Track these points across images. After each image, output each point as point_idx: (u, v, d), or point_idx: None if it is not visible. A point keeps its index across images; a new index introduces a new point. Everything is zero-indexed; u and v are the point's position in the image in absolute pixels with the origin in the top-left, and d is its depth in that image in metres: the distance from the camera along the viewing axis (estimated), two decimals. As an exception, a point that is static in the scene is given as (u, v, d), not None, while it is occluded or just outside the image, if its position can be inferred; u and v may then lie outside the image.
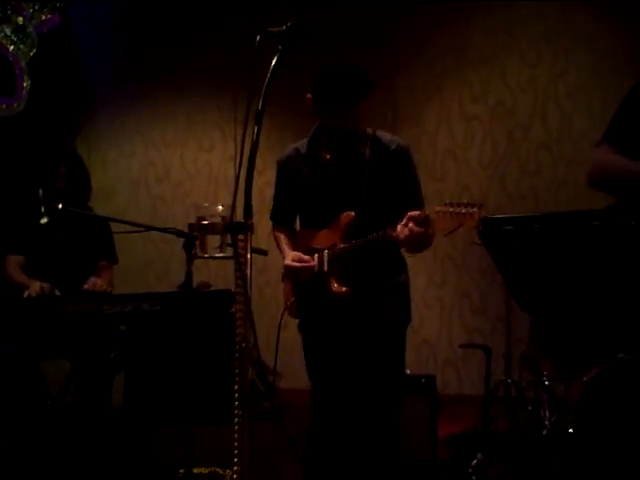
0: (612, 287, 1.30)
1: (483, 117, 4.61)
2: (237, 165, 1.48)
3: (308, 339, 2.44)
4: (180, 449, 2.39)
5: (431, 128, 4.69)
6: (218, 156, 5.20)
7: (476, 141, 4.61)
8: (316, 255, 2.31)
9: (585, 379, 2.86)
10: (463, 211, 1.88)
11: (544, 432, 3.08)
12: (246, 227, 1.48)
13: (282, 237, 2.49)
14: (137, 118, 5.25)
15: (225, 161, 5.18)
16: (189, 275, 2.66)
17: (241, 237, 1.52)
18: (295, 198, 2.44)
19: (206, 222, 1.70)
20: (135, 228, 2.80)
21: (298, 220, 2.53)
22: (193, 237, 2.69)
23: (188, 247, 2.67)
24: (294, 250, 2.39)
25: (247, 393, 1.51)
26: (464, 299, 4.55)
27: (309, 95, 2.28)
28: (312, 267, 2.28)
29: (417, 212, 2.05)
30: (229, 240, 1.58)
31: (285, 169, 2.46)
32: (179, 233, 2.68)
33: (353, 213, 2.25)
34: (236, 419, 1.53)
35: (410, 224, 2.04)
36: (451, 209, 1.92)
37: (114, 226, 3.25)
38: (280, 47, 1.65)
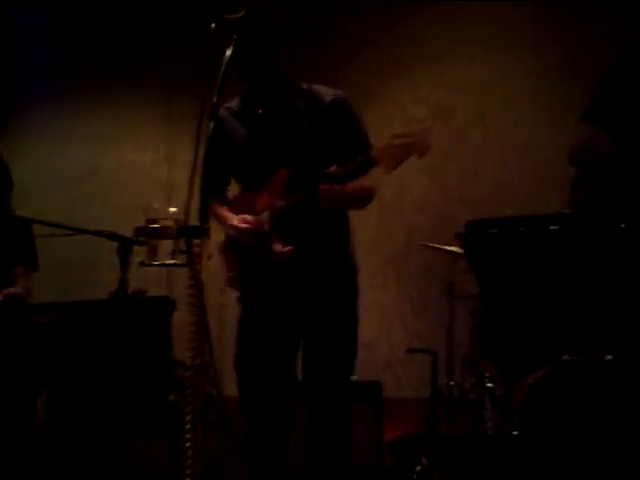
0: (578, 289, 1.26)
1: (425, 118, 4.60)
2: (194, 162, 1.36)
3: (248, 311, 2.26)
4: (114, 464, 2.24)
5: (373, 129, 4.64)
6: (150, 155, 4.99)
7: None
8: (256, 217, 2.15)
9: (530, 381, 2.89)
10: (410, 139, 1.81)
11: (489, 433, 3.09)
12: (202, 231, 1.36)
13: (216, 205, 2.30)
14: (69, 116, 5.00)
15: (159, 161, 4.98)
16: (123, 282, 2.50)
17: (197, 242, 1.39)
18: (229, 161, 2.24)
19: (157, 225, 1.56)
20: (62, 231, 2.60)
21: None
22: (129, 241, 2.53)
23: (123, 252, 2.50)
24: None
25: (201, 410, 1.39)
26: (405, 301, 4.54)
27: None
28: (261, 226, 2.11)
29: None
30: (183, 245, 1.45)
31: (217, 129, 2.28)
32: (112, 236, 2.51)
33: (289, 169, 2.09)
34: (188, 435, 1.41)
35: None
36: (397, 141, 1.84)
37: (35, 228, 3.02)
38: (235, 36, 1.53)
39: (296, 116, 2.15)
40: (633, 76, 1.77)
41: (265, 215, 2.12)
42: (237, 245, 2.18)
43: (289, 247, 2.04)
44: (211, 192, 2.26)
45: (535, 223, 1.12)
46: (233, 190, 2.34)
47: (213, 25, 1.51)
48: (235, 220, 2.17)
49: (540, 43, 4.57)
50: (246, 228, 2.12)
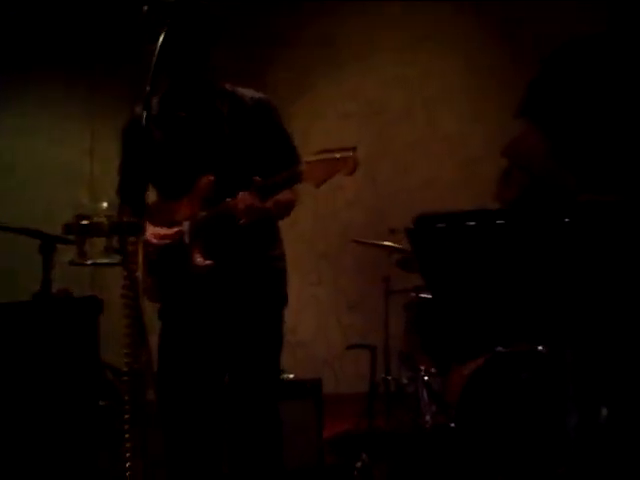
0: (519, 282, 1.26)
1: (356, 115, 4.61)
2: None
3: (168, 327, 2.13)
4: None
5: (304, 125, 4.61)
6: (72, 150, 4.76)
7: (350, 139, 4.58)
8: (176, 227, 2.03)
9: (466, 372, 2.93)
10: (337, 156, 1.78)
11: (427, 426, 3.11)
12: (137, 227, 1.28)
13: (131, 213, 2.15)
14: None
15: (80, 155, 4.75)
16: (46, 282, 2.37)
17: (131, 240, 1.31)
18: (146, 167, 2.09)
19: (87, 222, 1.45)
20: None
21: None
22: (52, 239, 2.38)
23: (46, 250, 2.36)
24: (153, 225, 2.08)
25: (140, 417, 1.31)
26: (340, 298, 4.53)
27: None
28: (173, 240, 2.00)
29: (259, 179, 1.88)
30: (116, 243, 1.36)
31: (132, 135, 2.13)
32: (34, 234, 2.37)
33: (212, 177, 1.99)
34: (127, 445, 1.33)
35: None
36: (323, 156, 1.80)
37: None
38: (169, 21, 1.44)
39: (219, 120, 2.06)
40: (565, 71, 1.79)
41: (186, 226, 2.02)
42: (152, 256, 2.05)
43: (210, 261, 1.96)
44: (127, 197, 2.15)
45: (482, 217, 1.11)
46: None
47: (145, 7, 1.42)
48: (147, 234, 2.04)
49: (465, 43, 4.66)
50: (157, 243, 2.01)
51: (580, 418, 1.70)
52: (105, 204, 1.54)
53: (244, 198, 1.89)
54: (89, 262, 1.55)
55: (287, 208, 2.09)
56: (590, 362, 1.50)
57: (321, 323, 4.50)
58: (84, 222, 1.43)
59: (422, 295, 3.40)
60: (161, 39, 1.44)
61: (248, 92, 2.11)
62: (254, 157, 2.05)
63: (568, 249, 1.11)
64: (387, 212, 4.54)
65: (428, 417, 3.15)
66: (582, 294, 1.21)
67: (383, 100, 4.63)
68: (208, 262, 1.96)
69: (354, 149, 1.75)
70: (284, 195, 2.00)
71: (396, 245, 3.53)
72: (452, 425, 2.90)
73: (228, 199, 1.93)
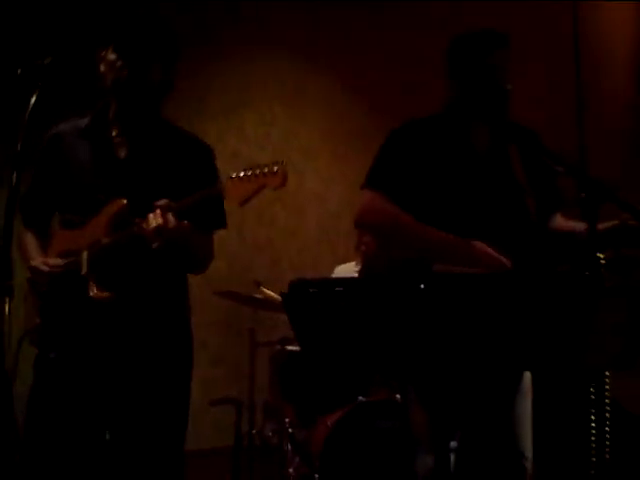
0: (378, 340, 1.37)
1: (220, 167, 4.66)
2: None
3: (44, 375, 1.86)
4: None
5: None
6: None
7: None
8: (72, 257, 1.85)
9: (329, 423, 3.02)
10: (265, 170, 1.76)
11: (291, 479, 3.14)
12: (4, 290, 1.23)
13: (29, 237, 1.97)
14: None
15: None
16: None
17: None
18: (59, 186, 1.92)
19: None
20: None
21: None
22: None
23: None
24: (47, 255, 1.90)
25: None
26: (201, 351, 4.47)
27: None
28: (66, 269, 1.83)
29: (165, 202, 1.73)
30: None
31: (52, 146, 1.95)
32: None
33: (124, 201, 1.82)
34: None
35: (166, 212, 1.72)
36: (250, 172, 1.76)
37: None
38: (40, 83, 1.43)
39: (148, 147, 1.93)
40: (404, 147, 1.98)
41: (84, 255, 1.84)
42: (42, 287, 1.86)
43: (108, 293, 1.79)
44: (30, 214, 1.97)
45: (349, 284, 1.22)
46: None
47: (19, 70, 1.40)
48: (36, 261, 1.87)
49: (326, 107, 4.93)
50: (48, 271, 1.83)
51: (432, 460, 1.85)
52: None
53: (154, 217, 1.73)
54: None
55: (206, 242, 1.95)
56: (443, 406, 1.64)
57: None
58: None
59: (288, 347, 3.47)
60: (33, 100, 1.42)
61: (191, 135, 2.05)
62: (171, 185, 1.88)
63: (423, 311, 1.24)
64: (251, 262, 4.61)
65: (292, 469, 3.20)
66: (433, 349, 1.34)
67: (249, 153, 4.75)
68: (105, 294, 1.79)
69: (283, 162, 1.75)
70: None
71: (263, 297, 3.58)
72: (316, 476, 2.96)
73: (137, 219, 1.77)
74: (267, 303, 3.62)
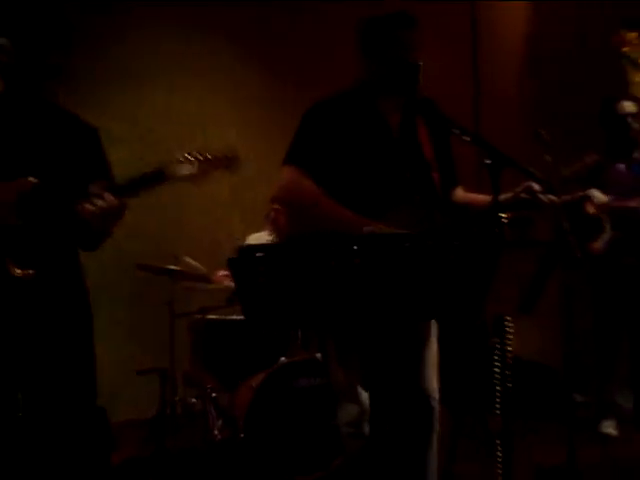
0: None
1: (128, 140, 4.58)
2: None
3: None
4: None
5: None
6: None
7: (122, 165, 4.55)
8: None
9: (254, 384, 3.14)
10: (217, 154, 1.87)
11: (217, 441, 3.25)
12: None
13: None
14: None
15: None
16: None
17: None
18: None
19: None
20: None
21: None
22: None
23: None
24: None
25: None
26: (117, 326, 4.46)
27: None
28: None
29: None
30: None
31: None
32: None
33: (32, 179, 1.88)
34: None
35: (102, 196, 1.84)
36: (200, 155, 1.87)
37: None
38: None
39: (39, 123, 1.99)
40: (321, 124, 2.09)
41: None
42: None
43: (31, 270, 1.88)
44: None
45: (292, 247, 1.34)
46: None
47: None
48: None
49: (244, 77, 4.94)
50: None
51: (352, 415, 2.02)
52: None
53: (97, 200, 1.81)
54: None
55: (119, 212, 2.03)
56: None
57: (97, 352, 4.35)
58: None
59: (208, 317, 3.56)
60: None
61: (75, 116, 2.12)
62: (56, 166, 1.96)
63: (353, 269, 1.38)
64: (165, 237, 4.61)
65: (217, 432, 3.31)
66: (360, 303, 1.48)
67: (161, 128, 4.70)
68: (30, 272, 1.88)
69: (231, 149, 1.82)
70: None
71: (180, 268, 3.64)
72: (241, 436, 3.09)
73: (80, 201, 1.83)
74: (185, 274, 3.68)
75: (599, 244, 3.68)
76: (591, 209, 3.66)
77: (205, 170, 1.92)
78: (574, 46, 4.85)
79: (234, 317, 3.54)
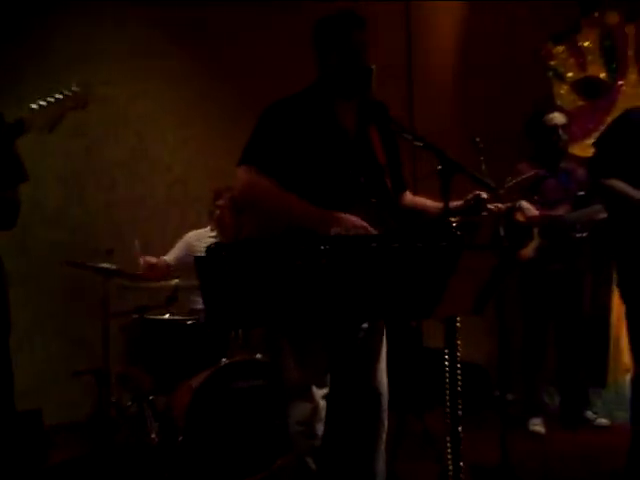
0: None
1: (59, 131, 4.42)
2: None
3: None
4: None
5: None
6: None
7: (52, 155, 4.39)
8: None
9: (194, 385, 3.09)
10: (66, 92, 1.83)
11: (154, 444, 3.19)
12: None
13: None
14: None
15: None
16: None
17: None
18: None
19: None
20: None
21: None
22: None
23: None
24: None
25: None
26: (48, 323, 4.29)
27: None
28: None
29: None
30: None
31: None
32: None
33: None
34: None
35: None
36: (51, 98, 1.84)
37: None
38: None
39: None
40: (276, 125, 2.09)
41: None
42: None
43: None
44: None
45: (264, 247, 1.34)
46: None
47: None
48: None
49: (180, 76, 4.85)
50: None
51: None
52: None
53: None
54: None
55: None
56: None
57: (24, 351, 4.16)
58: None
59: (147, 316, 3.47)
60: None
61: None
62: None
63: (320, 268, 1.39)
64: (95, 230, 4.49)
65: (154, 435, 3.23)
66: (322, 301, 1.50)
67: (88, 117, 4.55)
68: None
69: (79, 83, 1.79)
70: None
71: (114, 267, 3.51)
72: (180, 439, 3.04)
73: None
74: (120, 273, 3.57)
75: (528, 251, 3.84)
76: (521, 218, 3.82)
77: (60, 112, 1.88)
78: (505, 55, 5.02)
79: (172, 317, 3.49)
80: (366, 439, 2.06)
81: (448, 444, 1.94)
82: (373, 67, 2.13)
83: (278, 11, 4.84)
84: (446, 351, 1.82)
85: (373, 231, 1.93)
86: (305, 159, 2.00)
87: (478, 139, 2.68)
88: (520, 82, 4.84)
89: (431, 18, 5.49)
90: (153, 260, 3.69)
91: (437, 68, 5.41)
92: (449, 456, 1.90)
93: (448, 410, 1.85)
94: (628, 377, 4.41)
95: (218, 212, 3.81)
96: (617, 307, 4.60)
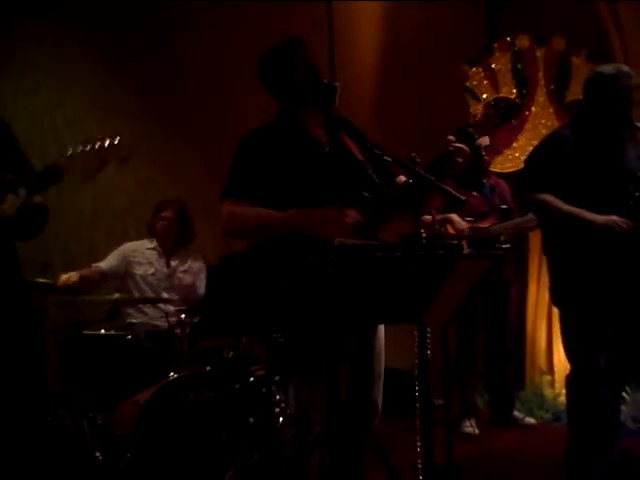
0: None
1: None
2: None
3: None
4: None
5: None
6: None
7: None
8: None
9: (141, 401, 3.03)
10: (105, 144, 1.81)
11: (99, 461, 3.09)
12: None
13: None
14: None
15: None
16: None
17: None
18: None
19: None
20: None
21: None
22: None
23: None
24: None
25: None
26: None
27: None
28: None
29: None
30: None
31: None
32: None
33: None
34: None
35: None
36: (88, 147, 1.80)
37: None
38: None
39: None
40: (253, 153, 2.14)
41: None
42: None
43: None
44: None
45: (277, 258, 1.38)
46: None
47: None
48: None
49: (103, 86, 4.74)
50: None
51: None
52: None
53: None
54: None
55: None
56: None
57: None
58: None
59: (85, 332, 3.37)
60: None
61: None
62: None
63: (328, 277, 1.44)
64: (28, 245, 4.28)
65: (98, 453, 3.14)
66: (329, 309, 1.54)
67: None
68: None
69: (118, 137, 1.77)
70: None
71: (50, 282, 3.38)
72: (127, 455, 2.96)
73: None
74: (54, 287, 3.45)
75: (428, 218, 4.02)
76: (450, 230, 4.03)
77: (98, 163, 1.88)
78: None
79: (108, 332, 3.41)
80: (354, 444, 2.12)
81: (418, 448, 2.04)
82: (337, 84, 2.22)
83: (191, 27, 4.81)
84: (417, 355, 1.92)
85: (349, 219, 1.99)
86: (285, 178, 2.06)
87: (414, 154, 2.80)
88: (441, 97, 5.08)
89: (354, 10, 5.55)
90: (73, 278, 3.58)
91: (360, 70, 5.50)
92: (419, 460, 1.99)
93: (419, 411, 1.94)
94: (544, 379, 4.74)
95: (164, 223, 3.79)
96: (532, 312, 4.92)
